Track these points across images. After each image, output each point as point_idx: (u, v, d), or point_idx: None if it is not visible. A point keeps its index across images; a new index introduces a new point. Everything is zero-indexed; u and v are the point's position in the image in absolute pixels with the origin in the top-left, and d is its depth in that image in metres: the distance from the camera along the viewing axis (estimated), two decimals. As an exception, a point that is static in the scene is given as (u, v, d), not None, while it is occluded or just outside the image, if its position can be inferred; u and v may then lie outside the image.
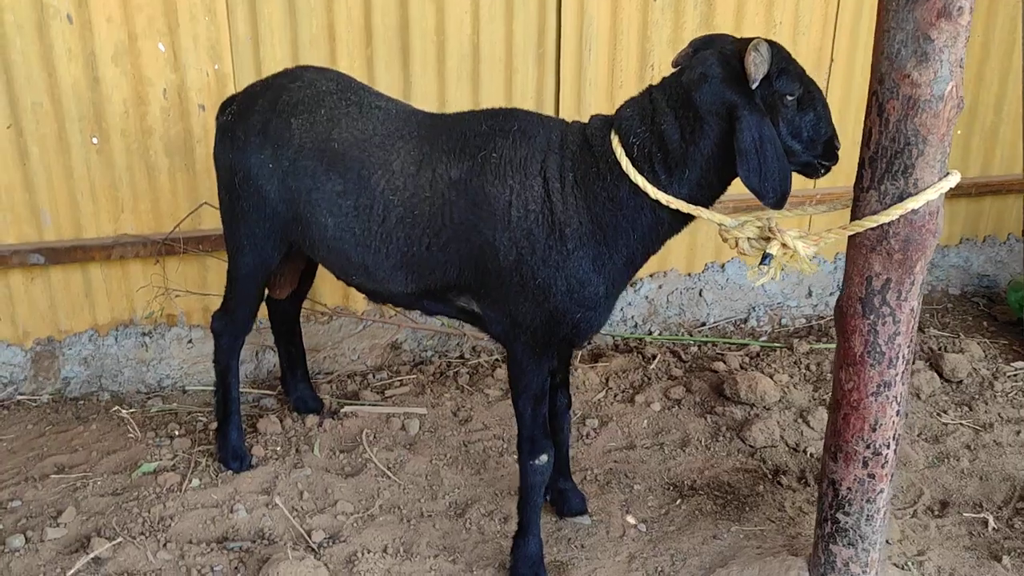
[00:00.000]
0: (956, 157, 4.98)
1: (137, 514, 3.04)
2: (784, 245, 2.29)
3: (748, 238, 2.38)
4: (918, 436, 3.54)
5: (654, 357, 4.22)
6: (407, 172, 2.62)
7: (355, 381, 4.05)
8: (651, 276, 4.66)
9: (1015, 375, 3.98)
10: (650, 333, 4.60)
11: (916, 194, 2.09)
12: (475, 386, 3.97)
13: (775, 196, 2.30)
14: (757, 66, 2.23)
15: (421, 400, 3.84)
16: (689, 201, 2.40)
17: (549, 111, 4.24)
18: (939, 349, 4.17)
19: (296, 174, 2.76)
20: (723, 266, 4.77)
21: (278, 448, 3.47)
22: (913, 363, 3.91)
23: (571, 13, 4.11)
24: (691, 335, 4.56)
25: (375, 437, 3.55)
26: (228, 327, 3.20)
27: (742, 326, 4.69)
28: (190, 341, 4.01)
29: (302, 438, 3.53)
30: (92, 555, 2.81)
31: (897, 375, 2.28)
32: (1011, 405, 3.74)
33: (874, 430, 2.33)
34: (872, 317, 2.24)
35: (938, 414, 3.70)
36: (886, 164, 2.12)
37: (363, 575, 2.80)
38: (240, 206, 2.94)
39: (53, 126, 3.69)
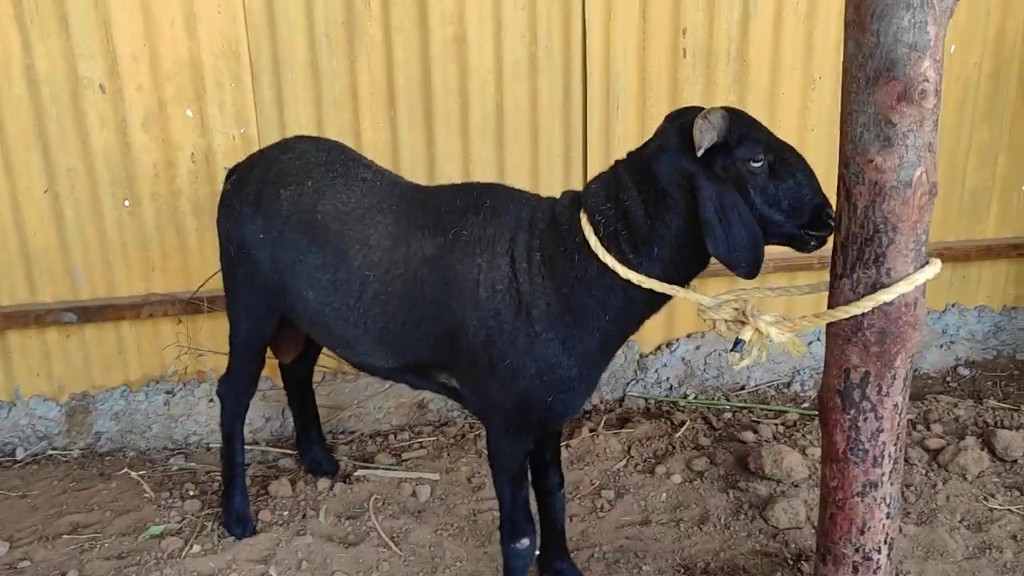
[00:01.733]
0: (1020, 213, 4.67)
1: (132, 582, 3.05)
2: (758, 330, 2.15)
3: (724, 320, 2.24)
4: (959, 523, 3.27)
5: (683, 424, 4.05)
6: (383, 247, 2.59)
7: (375, 442, 4.02)
8: (688, 336, 4.50)
9: (1076, 455, 3.65)
10: (685, 396, 4.43)
11: (889, 285, 1.94)
12: (493, 451, 3.87)
13: (746, 266, 2.18)
14: (703, 133, 2.12)
15: (437, 464, 3.78)
16: (663, 279, 2.29)
17: (577, 170, 4.18)
18: (994, 423, 3.87)
19: (283, 245, 2.77)
20: (765, 326, 4.56)
21: (285, 513, 3.45)
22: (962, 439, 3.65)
23: (597, 70, 4.05)
24: (728, 399, 4.37)
25: (384, 503, 3.50)
26: (231, 392, 3.22)
27: (784, 390, 4.47)
28: (211, 400, 4.05)
29: (311, 503, 3.50)
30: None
31: (884, 475, 2.10)
32: (1067, 490, 3.43)
33: (862, 532, 2.15)
34: (853, 412, 2.08)
35: (984, 498, 3.41)
36: (857, 251, 1.98)
37: (346, 655, 2.73)
38: (236, 274, 2.97)
39: (87, 190, 3.82)
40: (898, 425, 2.08)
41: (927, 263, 1.96)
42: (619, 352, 4.30)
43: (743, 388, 4.49)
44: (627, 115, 4.14)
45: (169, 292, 3.95)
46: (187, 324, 3.97)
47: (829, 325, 2.10)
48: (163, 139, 3.82)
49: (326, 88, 3.88)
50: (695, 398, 4.40)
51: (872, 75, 1.86)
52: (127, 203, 3.87)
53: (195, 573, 3.08)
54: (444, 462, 3.80)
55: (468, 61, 3.93)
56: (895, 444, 2.10)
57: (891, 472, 2.11)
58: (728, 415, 4.18)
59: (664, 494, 3.54)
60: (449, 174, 4.06)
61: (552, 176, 4.14)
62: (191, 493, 3.60)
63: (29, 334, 3.96)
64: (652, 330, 4.43)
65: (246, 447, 3.71)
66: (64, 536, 3.35)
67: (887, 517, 2.14)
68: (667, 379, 4.50)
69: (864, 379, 2.04)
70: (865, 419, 2.07)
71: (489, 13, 3.90)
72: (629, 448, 3.85)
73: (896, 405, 2.06)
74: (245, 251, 2.90)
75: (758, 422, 4.06)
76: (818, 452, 3.60)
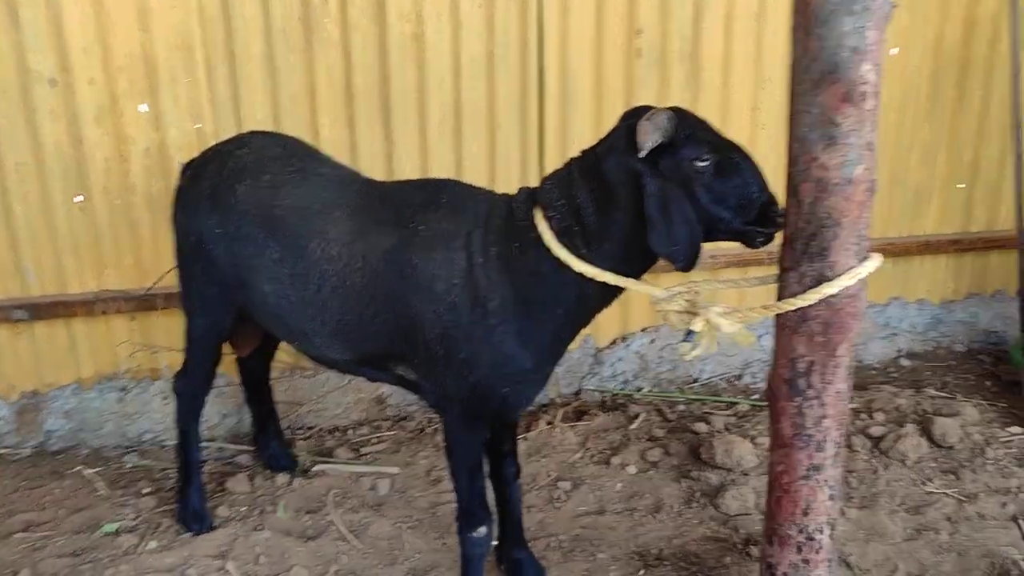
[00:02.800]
0: (959, 210, 4.85)
1: (87, 579, 3.04)
2: (708, 321, 2.23)
3: (676, 311, 2.32)
4: (899, 506, 3.40)
5: (637, 416, 4.14)
6: (342, 241, 2.62)
7: (334, 437, 4.04)
8: (643, 331, 4.59)
9: (1009, 441, 3.81)
10: (639, 390, 4.52)
11: (833, 278, 2.03)
12: (450, 444, 3.92)
13: (684, 260, 2.26)
14: (646, 135, 2.20)
15: (396, 458, 3.81)
16: (615, 273, 2.36)
17: (533, 167, 4.23)
18: (932, 411, 4.02)
19: (240, 239, 2.78)
20: (716, 321, 4.66)
21: (243, 508, 3.45)
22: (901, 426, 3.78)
23: (553, 69, 4.11)
24: (682, 392, 4.47)
25: (343, 497, 3.52)
26: (187, 388, 3.22)
27: (736, 383, 4.59)
28: (165, 397, 4.03)
29: (269, 498, 3.51)
30: (38, 620, 2.81)
31: (827, 458, 2.19)
32: (1000, 474, 3.58)
33: (806, 514, 2.25)
34: (799, 399, 2.17)
35: (922, 482, 3.55)
36: (803, 246, 2.07)
37: (306, 647, 2.75)
38: (192, 269, 2.97)
39: (37, 185, 3.77)
40: (841, 412, 2.18)
41: (868, 257, 2.05)
42: (575, 346, 4.45)
43: (696, 381, 4.59)
44: (583, 113, 4.20)
45: (122, 289, 3.92)
46: (140, 321, 3.94)
47: (777, 316, 2.18)
48: (116, 133, 3.78)
49: (283, 84, 3.88)
50: (650, 391, 4.50)
51: (817, 77, 1.94)
52: (79, 199, 3.82)
53: (152, 569, 3.08)
54: (403, 456, 3.83)
55: (426, 59, 3.96)
56: (838, 429, 2.19)
57: (834, 456, 2.20)
58: (681, 407, 4.28)
59: (619, 484, 3.61)
60: (408, 171, 4.08)
61: (509, 173, 4.19)
62: (146, 490, 3.58)
63: (-24, 331, 3.90)
64: (608, 324, 4.51)
65: (203, 444, 3.71)
66: (16, 535, 3.31)
67: (830, 499, 2.24)
68: (622, 372, 4.58)
69: (810, 368, 2.13)
70: (810, 406, 2.16)
71: (447, 11, 3.93)
72: (585, 440, 3.92)
73: (839, 392, 2.16)
74: (202, 246, 2.90)
75: (711, 414, 4.16)
76: (767, 441, 3.72)
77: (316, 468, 3.71)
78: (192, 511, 3.27)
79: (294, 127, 3.93)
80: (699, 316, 2.26)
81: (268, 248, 2.72)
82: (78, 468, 3.76)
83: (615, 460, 3.76)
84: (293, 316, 2.74)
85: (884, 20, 1.88)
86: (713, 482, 3.59)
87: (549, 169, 4.11)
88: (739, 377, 4.61)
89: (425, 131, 4.07)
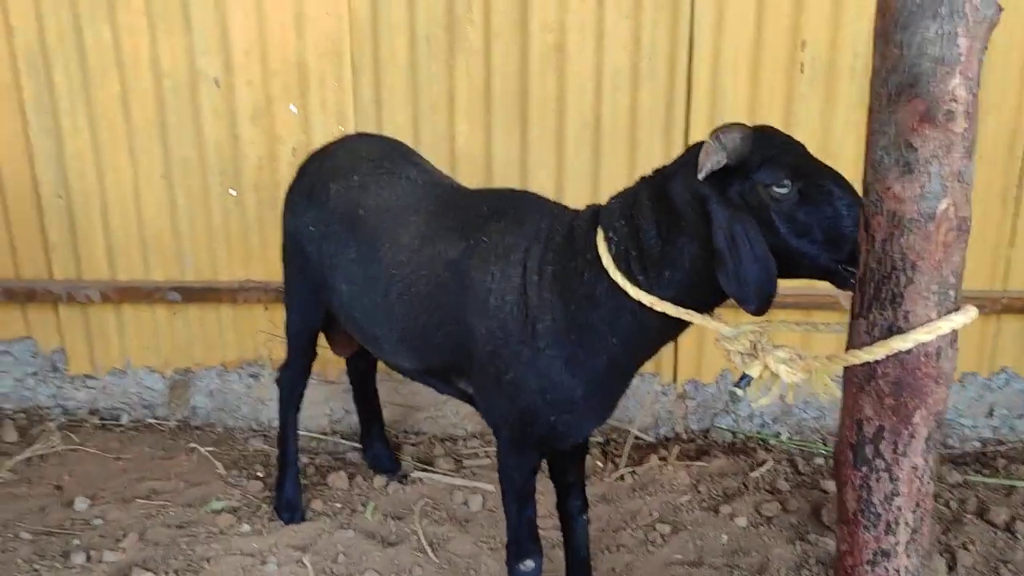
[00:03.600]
0: None
1: (184, 550, 3.19)
2: (767, 367, 1.96)
3: (739, 352, 2.06)
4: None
5: (763, 463, 3.79)
6: (411, 246, 2.57)
7: (443, 446, 4.01)
8: (789, 371, 4.20)
9: None
10: (776, 435, 4.14)
11: (906, 331, 1.70)
12: (557, 469, 3.77)
13: (756, 302, 2.00)
14: (708, 155, 1.96)
15: (496, 476, 3.71)
16: (678, 303, 2.13)
17: (676, 186, 4.00)
18: None
19: (328, 238, 2.81)
20: (878, 368, 4.19)
21: (337, 505, 3.50)
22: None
23: (703, 83, 3.86)
24: (825, 443, 4.05)
25: (433, 508, 3.48)
26: (285, 381, 3.31)
27: (892, 440, 4.08)
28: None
29: (363, 498, 3.54)
30: (122, 584, 2.99)
31: (898, 544, 1.85)
32: None
33: (872, 607, 1.91)
34: (864, 469, 1.84)
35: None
36: (874, 290, 1.75)
37: (354, 654, 2.73)
38: (290, 266, 3.04)
39: (198, 178, 4.05)
40: (918, 490, 1.83)
41: (957, 309, 1.71)
42: (710, 380, 4.15)
43: (844, 432, 4.13)
44: (733, 132, 3.91)
45: (263, 280, 4.11)
46: (272, 312, 4.12)
47: (845, 371, 1.88)
48: (268, 133, 3.98)
49: (423, 91, 3.91)
50: (788, 438, 4.11)
51: (894, 92, 1.64)
52: (233, 192, 4.06)
53: (238, 552, 3.18)
54: (504, 474, 3.72)
55: (567, 70, 3.86)
56: (913, 511, 1.84)
57: (908, 543, 1.86)
58: (819, 460, 3.87)
59: (725, 536, 3.31)
60: (542, 183, 3.99)
61: (649, 191, 3.98)
62: (258, 474, 3.72)
63: (141, 309, 4.25)
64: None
65: (320, 437, 3.82)
66: (139, 500, 3.55)
67: None
68: (761, 414, 4.23)
69: (878, 434, 1.81)
70: (878, 479, 1.83)
71: (591, 21, 3.80)
72: (698, 483, 3.64)
73: (915, 467, 1.81)
74: (298, 243, 2.97)
75: (849, 471, 3.72)
76: None
77: (415, 475, 3.69)
78: (286, 501, 3.36)
79: (432, 133, 3.96)
80: (758, 359, 2.00)
81: (348, 248, 2.74)
82: (208, 447, 3.97)
83: (725, 509, 3.45)
84: (366, 320, 2.73)
85: (983, 26, 1.56)
86: (832, 549, 3.19)
87: None
88: (898, 434, 4.10)
89: (562, 144, 3.96)
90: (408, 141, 3.97)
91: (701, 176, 1.98)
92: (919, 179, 1.63)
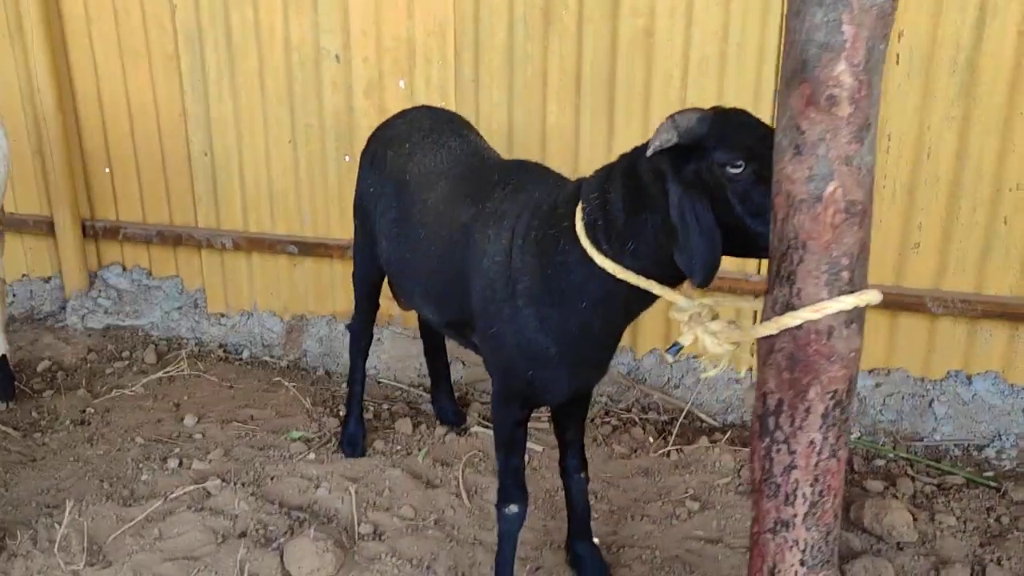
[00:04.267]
0: None
1: (256, 468, 3.63)
2: (697, 337, 2.05)
3: (682, 322, 2.15)
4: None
5: (816, 458, 3.74)
6: (436, 209, 2.82)
7: (514, 407, 4.24)
8: (871, 372, 4.10)
9: None
10: (848, 434, 4.05)
11: (798, 308, 1.75)
12: (609, 438, 3.93)
13: (701, 275, 2.08)
14: (658, 134, 2.05)
15: (549, 439, 3.91)
16: (644, 274, 2.25)
17: (760, 174, 4.00)
18: None
19: (381, 198, 3.12)
20: (970, 378, 4.01)
21: (397, 447, 3.84)
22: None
23: (792, 73, 3.83)
24: (894, 448, 3.93)
25: (480, 459, 3.74)
26: (353, 328, 3.66)
27: (974, 453, 3.90)
28: (379, 339, 4.55)
29: (421, 444, 3.85)
30: (199, 486, 3.46)
31: (796, 516, 1.90)
32: None
33: (772, 575, 1.97)
34: (767, 440, 1.90)
35: None
36: (776, 267, 1.81)
37: (370, 572, 3.05)
38: (356, 222, 3.38)
39: (317, 144, 4.50)
40: (816, 465, 1.87)
41: (850, 293, 1.74)
42: None
43: (921, 439, 3.99)
44: (821, 122, 3.86)
45: (367, 240, 4.51)
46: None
47: (757, 344, 1.94)
48: (379, 106, 4.36)
49: (519, 71, 4.14)
50: (857, 438, 4.02)
51: (789, 76, 1.70)
52: (347, 159, 4.47)
53: (298, 474, 3.59)
54: (552, 439, 3.90)
55: (655, 55, 3.95)
56: (812, 485, 1.87)
57: (807, 515, 1.89)
58: (879, 462, 3.78)
59: (750, 520, 3.34)
60: (625, 164, 4.11)
61: (733, 178, 4.00)
62: (340, 414, 4.12)
63: (266, 258, 4.78)
64: (830, 357, 4.11)
65: (399, 385, 4.17)
66: (235, 423, 4.05)
67: (801, 564, 1.93)
68: (836, 412, 4.14)
69: (778, 407, 1.86)
70: (778, 450, 1.88)
71: (681, 7, 3.88)
72: (741, 468, 3.67)
73: (812, 442, 1.85)
74: (362, 201, 3.30)
75: (908, 476, 3.62)
76: (951, 521, 3.21)
77: (474, 429, 3.96)
78: (348, 437, 3.73)
79: (525, 111, 4.18)
80: (691, 328, 2.09)
81: (392, 208, 3.03)
82: (306, 385, 4.43)
83: (759, 494, 3.46)
84: (400, 274, 3.02)
85: (871, 14, 1.59)
86: (853, 546, 3.16)
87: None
88: (981, 448, 3.91)
89: (647, 127, 4.06)
90: (502, 119, 4.25)
91: (648, 153, 2.09)
92: (807, 161, 1.68)
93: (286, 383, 4.41)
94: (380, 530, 3.29)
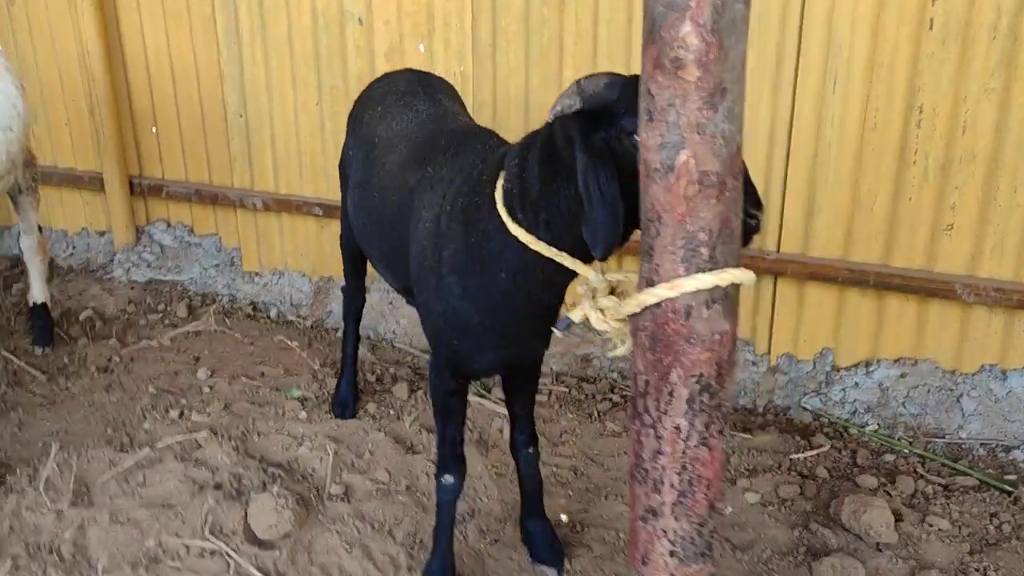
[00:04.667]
0: None
1: (247, 423, 3.72)
2: (585, 314, 1.94)
3: (584, 297, 2.05)
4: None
5: (816, 448, 3.55)
6: (392, 173, 2.78)
7: (517, 379, 4.20)
8: (896, 361, 3.84)
9: None
10: (863, 427, 3.82)
11: (656, 285, 1.63)
12: (604, 416, 3.83)
13: (601, 247, 1.97)
14: (561, 98, 1.92)
15: (543, 412, 3.85)
16: (555, 245, 2.15)
17: (780, 150, 3.78)
18: None
19: (354, 162, 3.11)
20: (1005, 373, 3.70)
21: (390, 411, 3.86)
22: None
23: (816, 39, 3.60)
24: (911, 444, 3.67)
25: (468, 430, 3.71)
26: (345, 293, 3.69)
27: (1001, 455, 3.61)
28: (397, 304, 4.56)
29: (410, 410, 3.85)
30: (190, 436, 3.58)
31: (664, 504, 1.78)
32: None
33: (644, 564, 1.86)
34: (637, 423, 1.79)
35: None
36: (642, 241, 1.69)
37: (330, 531, 3.08)
38: (341, 185, 3.38)
39: (343, 107, 4.52)
40: (683, 453, 1.74)
41: (711, 270, 1.60)
42: (807, 357, 3.90)
43: (943, 436, 3.72)
44: (847, 95, 3.61)
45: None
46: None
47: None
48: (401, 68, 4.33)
49: (534, 36, 4.04)
50: (874, 431, 3.78)
51: (645, 38, 1.56)
52: (370, 122, 4.48)
53: (286, 432, 3.66)
54: (551, 412, 3.85)
55: (671, 18, 3.77)
56: (679, 473, 1.75)
57: (675, 504, 1.77)
58: (889, 457, 3.54)
59: (729, 508, 3.20)
60: (641, 133, 3.97)
61: (755, 153, 3.80)
62: (345, 375, 4.17)
63: (295, 219, 4.86)
64: (854, 341, 3.88)
65: (417, 352, 4.18)
66: (244, 378, 4.16)
67: (671, 555, 1.81)
68: (854, 401, 3.91)
69: (646, 389, 1.74)
70: (647, 435, 1.77)
71: (700, -32, 3.67)
72: (732, 454, 3.51)
73: (678, 428, 1.72)
74: (343, 164, 3.29)
75: (915, 475, 3.39)
76: (945, 524, 2.99)
77: (470, 398, 3.92)
78: (339, 399, 3.77)
79: (541, 77, 4.08)
80: (581, 304, 1.98)
81: (359, 171, 3.01)
82: (322, 345, 4.51)
83: (743, 483, 3.32)
84: (362, 238, 3.01)
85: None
86: (829, 543, 2.98)
87: (798, 154, 3.70)
88: (1009, 449, 3.61)
89: (663, 95, 3.89)
90: (519, 84, 4.17)
91: (549, 117, 1.99)
92: (658, 128, 1.56)
93: (292, 343, 4.48)
94: (351, 492, 3.32)
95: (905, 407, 3.82)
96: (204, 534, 3.09)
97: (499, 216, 2.24)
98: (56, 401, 4.00)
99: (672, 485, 1.77)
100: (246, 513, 3.14)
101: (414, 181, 2.64)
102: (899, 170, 3.62)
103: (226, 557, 2.99)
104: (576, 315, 2.01)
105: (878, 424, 3.81)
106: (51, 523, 3.17)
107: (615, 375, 4.23)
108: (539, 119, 4.07)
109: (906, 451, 3.60)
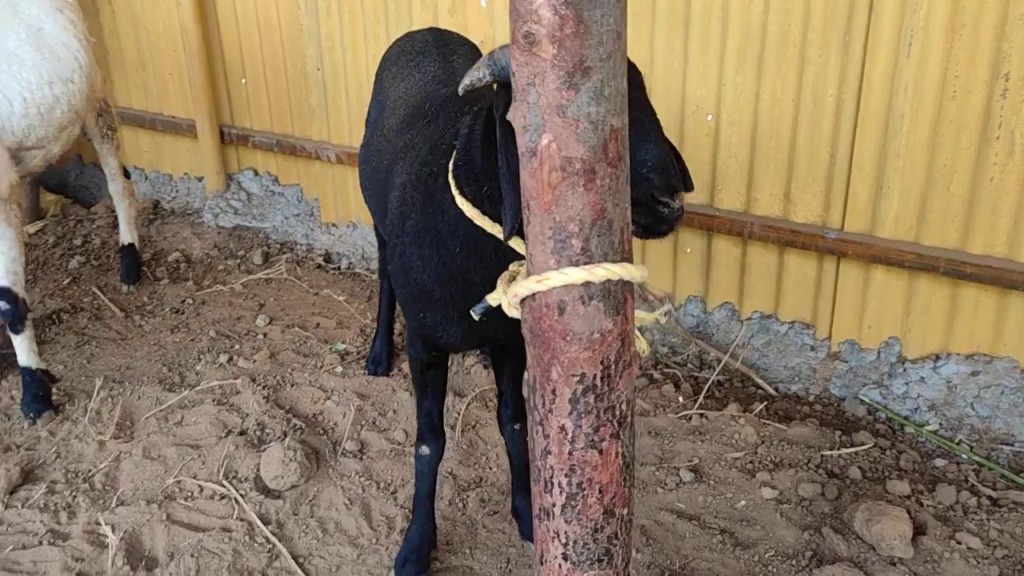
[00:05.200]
0: None
1: (285, 373, 3.84)
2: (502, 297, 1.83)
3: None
4: None
5: (855, 446, 3.29)
6: (388, 136, 2.73)
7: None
8: (968, 357, 3.49)
9: None
10: (922, 426, 3.51)
11: (529, 277, 1.52)
12: (637, 393, 3.69)
13: (507, 225, 1.84)
14: (472, 70, 1.79)
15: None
16: (499, 222, 2.05)
17: (848, 116, 3.47)
18: None
19: (368, 122, 3.07)
20: (1095, 378, 3.30)
21: (425, 372, 3.86)
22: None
23: (891, -3, 3.25)
24: (971, 449, 3.35)
25: (492, 396, 3.67)
26: (380, 250, 3.70)
27: (1080, 469, 3.23)
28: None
29: (454, 378, 3.84)
30: (231, 382, 3.73)
31: (555, 506, 1.67)
32: None
33: (541, 563, 1.77)
34: (531, 419, 1.69)
35: None
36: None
37: (335, 487, 3.15)
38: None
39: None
40: (570, 454, 1.62)
41: (585, 264, 1.46)
42: (872, 346, 3.61)
43: (1011, 444, 3.36)
44: (924, 58, 3.25)
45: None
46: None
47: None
48: (462, 24, 4.26)
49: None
50: (934, 431, 3.46)
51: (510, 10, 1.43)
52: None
53: (318, 385, 3.74)
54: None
55: (735, -27, 3.51)
56: (567, 476, 1.63)
57: (564, 507, 1.66)
58: (940, 462, 3.24)
59: (742, 502, 3.03)
60: (700, 98, 3.75)
61: (819, 119, 3.51)
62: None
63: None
64: (924, 332, 3.55)
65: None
66: (297, 328, 4.28)
67: (564, 559, 1.70)
68: (917, 397, 3.59)
69: (535, 384, 1.63)
70: (537, 432, 1.66)
71: (766, -82, 3.39)
72: (761, 444, 3.30)
73: (563, 429, 1.60)
74: (367, 124, 3.27)
75: (970, 487, 3.08)
76: (976, 543, 2.72)
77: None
78: (373, 356, 3.82)
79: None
80: (501, 286, 1.86)
81: (367, 132, 2.99)
82: (376, 299, 4.56)
83: (762, 476, 3.12)
84: (368, 201, 2.98)
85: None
86: (838, 550, 2.76)
87: (866, 120, 3.41)
88: (1088, 464, 3.23)
89: (723, 56, 3.65)
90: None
91: (460, 91, 1.87)
92: (520, 108, 1.43)
93: (352, 296, 4.55)
94: (365, 448, 3.37)
95: (973, 408, 3.47)
96: (219, 478, 3.21)
97: (452, 189, 2.16)
98: (127, 338, 4.25)
99: (561, 487, 1.67)
100: (259, 462, 3.24)
101: (399, 147, 2.58)
102: (980, 145, 3.24)
103: (233, 502, 3.11)
104: (492, 298, 1.91)
105: (939, 424, 3.49)
106: (92, 453, 3.39)
107: (666, 349, 4.06)
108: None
109: (964, 456, 3.28)
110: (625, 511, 1.73)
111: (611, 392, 1.61)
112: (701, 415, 3.47)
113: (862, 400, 3.66)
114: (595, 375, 1.58)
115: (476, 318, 1.98)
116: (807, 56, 3.46)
